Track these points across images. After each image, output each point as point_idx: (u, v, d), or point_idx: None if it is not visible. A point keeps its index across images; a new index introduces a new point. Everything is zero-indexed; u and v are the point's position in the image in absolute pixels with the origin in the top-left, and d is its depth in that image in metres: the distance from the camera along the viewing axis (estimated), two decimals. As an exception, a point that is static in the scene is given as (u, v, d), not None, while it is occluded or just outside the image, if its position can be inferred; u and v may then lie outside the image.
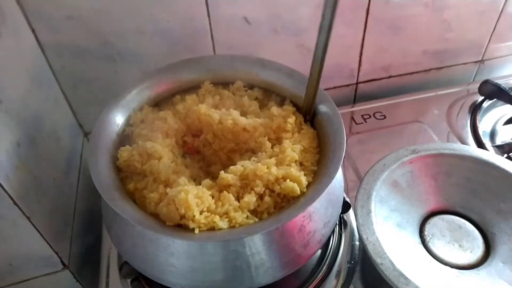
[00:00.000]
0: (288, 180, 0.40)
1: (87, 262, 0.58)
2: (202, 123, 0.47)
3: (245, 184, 0.41)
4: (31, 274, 0.51)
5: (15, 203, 0.42)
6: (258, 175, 0.41)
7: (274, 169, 0.41)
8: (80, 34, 0.57)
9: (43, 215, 0.47)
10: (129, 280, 0.49)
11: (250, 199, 0.39)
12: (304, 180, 0.41)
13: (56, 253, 0.49)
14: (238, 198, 0.41)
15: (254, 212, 0.40)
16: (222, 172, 0.41)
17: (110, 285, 0.50)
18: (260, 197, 0.40)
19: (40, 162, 0.49)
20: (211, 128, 0.46)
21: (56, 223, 0.51)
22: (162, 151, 0.43)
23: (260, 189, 0.40)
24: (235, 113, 0.46)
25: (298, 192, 0.40)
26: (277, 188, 0.40)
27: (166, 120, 0.46)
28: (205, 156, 0.48)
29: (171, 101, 0.50)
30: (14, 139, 0.44)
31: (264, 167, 0.41)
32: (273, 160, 0.42)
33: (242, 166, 0.41)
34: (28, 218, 0.44)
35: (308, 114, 0.47)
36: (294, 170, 0.41)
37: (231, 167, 0.41)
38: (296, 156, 0.43)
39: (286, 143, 0.44)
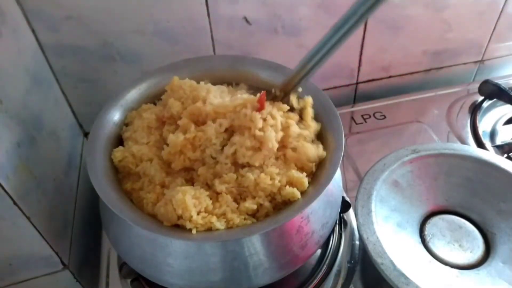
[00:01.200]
0: (287, 186, 0.40)
1: (87, 262, 0.58)
2: (174, 93, 0.45)
3: (244, 191, 0.41)
4: (31, 274, 0.51)
5: (15, 203, 0.42)
6: (261, 187, 0.40)
7: (277, 180, 0.40)
8: (80, 34, 0.57)
9: (43, 215, 0.47)
10: (129, 280, 0.49)
11: (250, 205, 0.39)
12: (306, 182, 0.40)
13: (56, 253, 0.49)
14: (236, 200, 0.40)
15: (252, 214, 0.40)
16: (216, 181, 0.40)
17: (110, 285, 0.50)
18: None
19: (40, 162, 0.49)
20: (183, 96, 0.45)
21: (56, 223, 0.51)
22: (149, 152, 0.43)
23: (262, 200, 0.40)
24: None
25: (299, 196, 0.39)
26: (278, 197, 0.40)
27: (141, 116, 0.46)
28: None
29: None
30: (14, 139, 0.44)
31: (267, 178, 0.40)
32: (276, 169, 0.41)
33: (241, 176, 0.41)
34: (28, 218, 0.44)
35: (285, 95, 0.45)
36: (296, 172, 0.41)
37: (225, 177, 0.40)
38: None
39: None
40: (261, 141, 0.40)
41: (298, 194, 0.39)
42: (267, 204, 0.40)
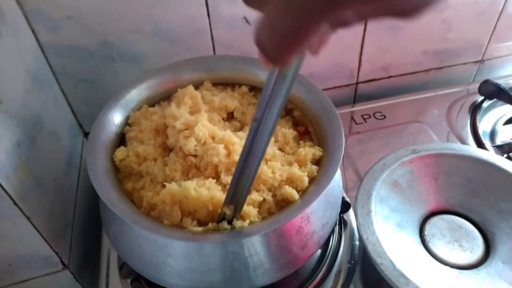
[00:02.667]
0: (287, 186, 0.40)
1: (87, 262, 0.58)
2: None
3: None
4: (31, 274, 0.51)
5: (15, 203, 0.42)
6: (262, 179, 0.41)
7: (278, 174, 0.41)
8: (80, 34, 0.57)
9: (43, 215, 0.47)
10: (129, 280, 0.49)
11: (256, 197, 0.40)
12: (306, 181, 0.41)
13: (56, 253, 0.49)
14: None
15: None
16: (223, 174, 0.41)
17: (110, 285, 0.50)
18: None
19: (40, 162, 0.49)
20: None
21: (56, 223, 0.51)
22: (155, 152, 0.43)
23: (265, 194, 0.40)
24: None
25: (296, 198, 0.40)
26: (278, 194, 0.41)
27: (151, 118, 0.46)
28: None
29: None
30: (14, 139, 0.44)
31: (269, 171, 0.41)
32: (278, 164, 0.42)
33: None
34: (28, 218, 0.44)
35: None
36: (297, 170, 0.41)
37: (232, 170, 0.41)
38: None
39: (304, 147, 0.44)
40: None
41: (296, 195, 0.40)
42: (269, 199, 0.40)
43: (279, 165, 0.42)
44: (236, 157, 0.41)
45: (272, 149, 0.44)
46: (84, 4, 0.54)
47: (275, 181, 0.41)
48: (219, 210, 0.38)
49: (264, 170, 0.41)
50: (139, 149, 0.43)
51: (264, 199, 0.40)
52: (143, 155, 0.43)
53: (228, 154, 0.41)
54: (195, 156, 0.43)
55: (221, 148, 0.41)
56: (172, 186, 0.39)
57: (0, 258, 0.48)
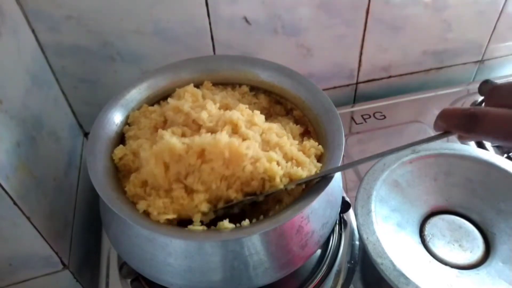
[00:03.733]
0: (295, 167, 0.40)
1: (87, 262, 0.58)
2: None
3: (265, 142, 0.42)
4: (31, 274, 0.51)
5: (15, 203, 0.42)
6: (279, 145, 0.42)
7: (295, 147, 0.42)
8: (80, 34, 0.57)
9: (43, 215, 0.47)
10: (129, 280, 0.49)
11: (274, 155, 0.40)
12: (313, 171, 0.41)
13: (56, 253, 0.49)
14: None
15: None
16: (243, 128, 0.41)
17: (110, 285, 0.50)
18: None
19: (40, 162, 0.49)
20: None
21: (56, 223, 0.51)
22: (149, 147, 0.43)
23: (278, 156, 0.40)
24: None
25: (303, 176, 0.40)
26: (289, 166, 0.41)
27: (150, 116, 0.46)
28: None
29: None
30: (14, 139, 0.44)
31: (288, 142, 0.42)
32: (296, 144, 0.43)
33: (264, 133, 0.42)
34: (28, 218, 0.44)
35: None
36: (306, 159, 0.42)
37: (253, 127, 0.42)
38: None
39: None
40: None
41: (304, 174, 0.40)
42: (284, 164, 0.40)
43: (296, 143, 0.43)
44: (257, 119, 0.42)
45: (282, 131, 0.45)
46: (84, 4, 0.54)
47: (290, 151, 0.41)
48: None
49: (283, 139, 0.42)
50: (134, 146, 0.43)
51: (279, 163, 0.40)
52: (138, 150, 0.43)
53: (247, 119, 0.43)
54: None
55: (236, 112, 0.42)
56: (172, 140, 0.39)
57: (0, 258, 0.48)
